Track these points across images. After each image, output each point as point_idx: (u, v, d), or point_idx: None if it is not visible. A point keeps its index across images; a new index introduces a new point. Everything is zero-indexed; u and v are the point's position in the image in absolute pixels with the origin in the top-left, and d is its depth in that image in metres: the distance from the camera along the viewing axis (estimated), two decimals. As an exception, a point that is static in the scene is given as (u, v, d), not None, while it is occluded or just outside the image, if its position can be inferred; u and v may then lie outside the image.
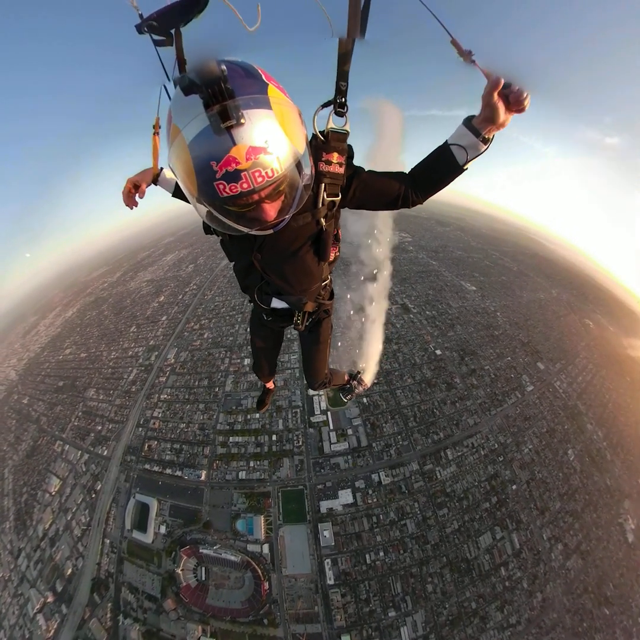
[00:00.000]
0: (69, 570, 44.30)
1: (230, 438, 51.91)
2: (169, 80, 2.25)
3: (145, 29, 2.13)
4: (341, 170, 2.36)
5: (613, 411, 67.15)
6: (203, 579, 40.87)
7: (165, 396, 59.61)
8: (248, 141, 1.59)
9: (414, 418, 51.66)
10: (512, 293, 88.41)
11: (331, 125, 2.24)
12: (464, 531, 43.43)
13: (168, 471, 49.51)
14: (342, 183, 2.46)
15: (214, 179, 1.64)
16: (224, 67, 1.57)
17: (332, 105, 2.18)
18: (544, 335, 76.25)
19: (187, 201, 2.29)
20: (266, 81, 1.76)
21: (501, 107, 1.94)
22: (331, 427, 50.47)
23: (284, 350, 61.33)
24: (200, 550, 42.28)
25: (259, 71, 1.78)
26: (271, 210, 1.96)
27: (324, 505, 44.85)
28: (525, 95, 1.83)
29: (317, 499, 45.36)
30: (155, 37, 2.17)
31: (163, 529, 44.43)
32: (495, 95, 1.90)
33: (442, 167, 2.39)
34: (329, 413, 52.12)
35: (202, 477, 48.20)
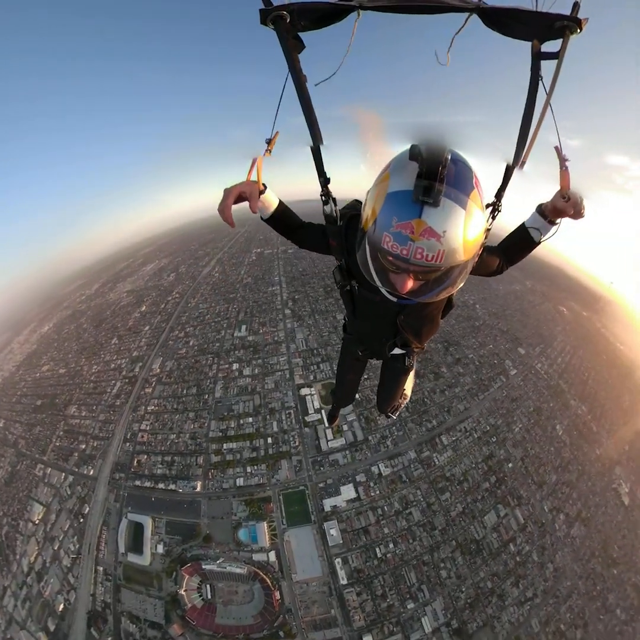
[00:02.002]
0: (61, 606, 37.79)
1: (224, 445, 47.10)
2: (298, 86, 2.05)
3: (271, 21, 1.84)
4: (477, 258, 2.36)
5: (593, 387, 68.08)
6: (209, 597, 35.78)
7: (153, 407, 53.81)
8: (431, 222, 1.59)
9: (406, 408, 48.56)
10: (488, 286, 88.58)
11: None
12: (469, 513, 41.19)
13: (161, 486, 43.95)
14: None
15: (387, 229, 1.67)
16: (449, 156, 1.59)
17: (491, 208, 2.33)
18: (522, 323, 77.43)
19: (279, 231, 2.80)
20: (474, 186, 1.71)
21: (566, 213, 2.28)
22: (326, 424, 46.62)
23: (272, 353, 57.21)
24: (203, 567, 37.15)
25: (473, 174, 1.75)
26: (409, 285, 1.94)
27: (328, 504, 41.05)
28: (583, 213, 2.22)
29: (319, 497, 41.53)
30: (279, 34, 1.89)
31: (160, 548, 38.86)
32: (564, 207, 2.22)
33: (523, 244, 2.75)
34: (322, 411, 48.30)
35: (198, 489, 43.08)
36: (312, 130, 2.13)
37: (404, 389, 4.92)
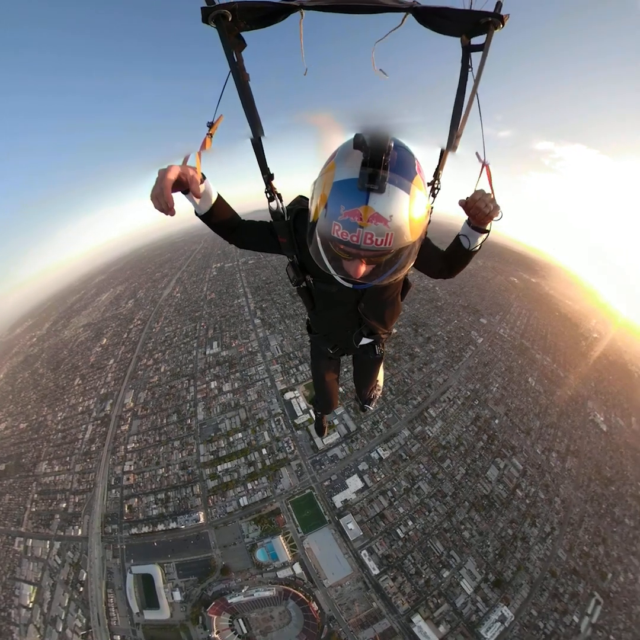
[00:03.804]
0: (81, 692, 31.59)
1: (219, 467, 42.27)
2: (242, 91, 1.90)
3: (213, 19, 1.69)
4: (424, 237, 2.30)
5: (552, 340, 72.49)
6: (245, 631, 31.70)
7: (133, 445, 47.40)
8: (377, 208, 1.54)
9: (390, 392, 47.69)
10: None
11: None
12: (472, 473, 40.76)
13: (160, 527, 38.49)
14: None
15: (335, 217, 1.59)
16: (392, 144, 1.56)
17: (431, 187, 2.27)
18: (479, 297, 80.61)
19: (218, 229, 2.29)
20: (416, 172, 1.67)
21: (478, 214, 2.00)
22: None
23: (249, 364, 52.40)
24: (229, 601, 32.78)
25: (415, 161, 1.72)
26: (362, 270, 1.86)
27: (338, 499, 38.17)
28: (487, 211, 1.94)
29: (328, 496, 38.49)
30: (221, 32, 1.74)
31: (178, 595, 33.81)
32: (473, 206, 1.98)
33: (457, 253, 2.46)
34: (311, 411, 44.52)
35: (201, 520, 38.24)
36: (252, 122, 1.93)
37: (377, 380, 4.55)
